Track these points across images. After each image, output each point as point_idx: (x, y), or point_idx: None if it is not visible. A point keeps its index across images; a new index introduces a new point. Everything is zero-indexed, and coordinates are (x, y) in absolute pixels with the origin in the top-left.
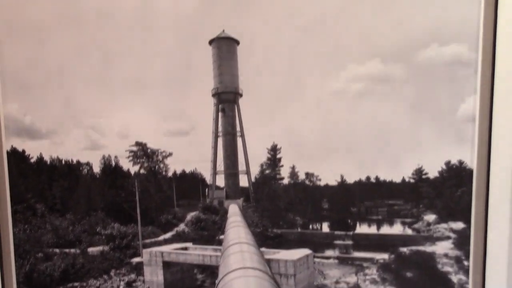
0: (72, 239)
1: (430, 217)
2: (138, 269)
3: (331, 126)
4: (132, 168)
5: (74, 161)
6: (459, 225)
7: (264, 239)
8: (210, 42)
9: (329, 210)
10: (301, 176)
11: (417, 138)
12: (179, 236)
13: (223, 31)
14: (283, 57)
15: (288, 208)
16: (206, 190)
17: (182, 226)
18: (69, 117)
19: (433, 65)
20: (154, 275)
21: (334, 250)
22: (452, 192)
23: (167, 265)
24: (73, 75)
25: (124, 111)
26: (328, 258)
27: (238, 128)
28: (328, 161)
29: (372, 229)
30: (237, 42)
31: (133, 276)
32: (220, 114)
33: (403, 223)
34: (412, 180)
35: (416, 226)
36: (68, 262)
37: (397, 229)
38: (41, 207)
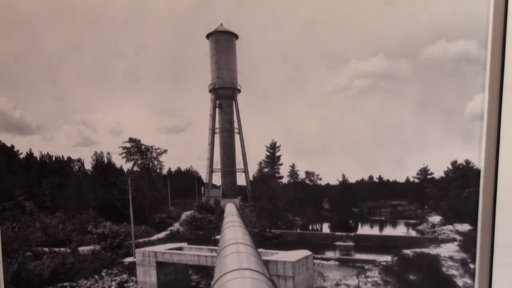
0: (62, 237)
1: (435, 219)
2: (131, 269)
3: (332, 124)
4: (125, 165)
5: (65, 158)
6: (465, 227)
7: (262, 239)
8: (208, 36)
9: (329, 210)
10: (301, 175)
11: (422, 136)
12: (173, 235)
13: (221, 24)
14: (285, 52)
15: (287, 208)
16: (202, 188)
17: (176, 226)
18: (60, 112)
19: (440, 61)
20: (147, 275)
21: (335, 252)
22: (458, 193)
23: (161, 266)
24: (65, 70)
25: (117, 106)
26: (328, 259)
27: (235, 125)
28: (329, 160)
29: (375, 230)
30: (236, 36)
31: (125, 276)
32: (217, 110)
33: (407, 225)
34: (416, 180)
35: (420, 227)
36: (57, 261)
37: (400, 230)
38: (30, 205)
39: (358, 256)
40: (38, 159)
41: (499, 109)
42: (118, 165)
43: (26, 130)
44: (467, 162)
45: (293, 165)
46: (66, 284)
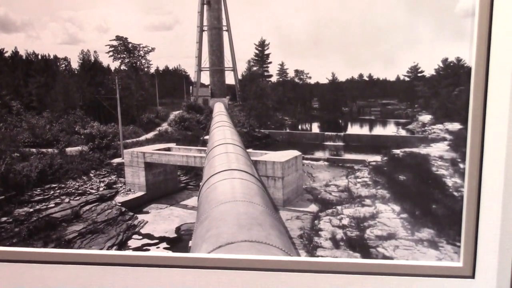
0: (50, 138)
1: (425, 118)
2: (119, 170)
3: (322, 21)
4: (112, 64)
5: (51, 56)
6: (455, 126)
7: (251, 139)
8: None
9: (319, 109)
10: (290, 73)
11: (413, 33)
12: (161, 136)
13: None
14: None
15: (276, 108)
16: (191, 87)
17: (165, 126)
18: (46, 9)
19: None
20: (135, 176)
21: (324, 152)
22: (448, 91)
23: (149, 167)
24: None
25: (104, 3)
26: (317, 160)
27: (224, 22)
28: (319, 58)
29: (364, 130)
30: None
31: (113, 177)
32: (205, 7)
33: (397, 124)
34: (407, 79)
35: (410, 127)
36: (45, 162)
37: (390, 130)
38: (17, 105)
39: (348, 156)
40: (24, 57)
41: (491, 5)
42: (105, 64)
43: (11, 27)
44: (458, 60)
45: (282, 63)
46: (54, 185)
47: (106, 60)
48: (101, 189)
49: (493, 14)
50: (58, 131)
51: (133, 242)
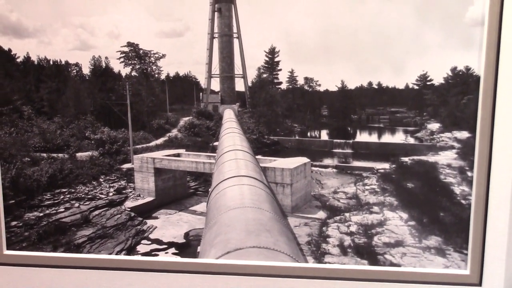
0: (60, 143)
1: (434, 126)
2: (129, 175)
3: (331, 28)
4: (123, 70)
5: (63, 62)
6: (463, 134)
7: (260, 146)
8: None
9: (328, 117)
10: (300, 81)
11: (422, 42)
12: (171, 142)
13: None
14: None
15: (285, 115)
16: (201, 94)
17: (175, 132)
18: (57, 15)
19: None
20: (145, 182)
21: (333, 159)
22: (457, 100)
23: (159, 172)
24: None
25: (115, 9)
26: (326, 167)
27: (235, 29)
28: (329, 66)
29: (373, 138)
30: None
31: (123, 183)
32: (216, 14)
33: (406, 132)
34: (416, 87)
35: (418, 135)
36: (56, 167)
37: (399, 137)
38: (28, 110)
39: (356, 163)
40: (36, 63)
41: (500, 14)
42: (116, 70)
43: (23, 33)
44: (467, 69)
45: (292, 70)
46: (64, 190)
47: (117, 66)
48: (110, 194)
49: (503, 23)
50: (69, 136)
51: (142, 247)
